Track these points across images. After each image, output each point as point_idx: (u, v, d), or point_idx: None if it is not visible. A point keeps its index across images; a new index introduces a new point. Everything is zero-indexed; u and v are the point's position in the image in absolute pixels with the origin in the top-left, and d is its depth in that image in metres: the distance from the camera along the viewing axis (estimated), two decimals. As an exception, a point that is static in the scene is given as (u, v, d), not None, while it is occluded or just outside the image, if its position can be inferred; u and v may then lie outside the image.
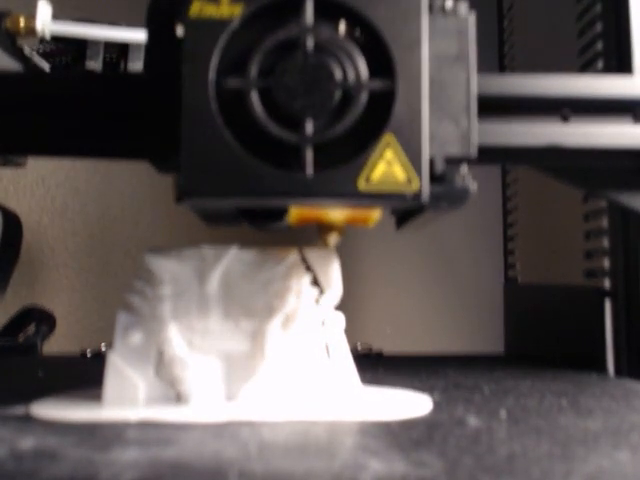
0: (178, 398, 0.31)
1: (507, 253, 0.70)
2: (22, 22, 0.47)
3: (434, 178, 0.27)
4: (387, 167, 0.26)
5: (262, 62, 0.26)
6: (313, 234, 0.34)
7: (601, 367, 0.45)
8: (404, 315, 0.72)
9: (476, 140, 0.28)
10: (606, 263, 0.46)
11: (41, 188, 0.72)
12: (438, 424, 0.28)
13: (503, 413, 0.30)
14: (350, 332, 0.34)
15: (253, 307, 0.32)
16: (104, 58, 0.49)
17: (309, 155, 0.26)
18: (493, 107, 0.30)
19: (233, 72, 0.26)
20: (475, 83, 0.28)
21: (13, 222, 0.65)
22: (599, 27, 0.46)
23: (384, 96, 0.26)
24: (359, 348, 0.61)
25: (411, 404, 0.32)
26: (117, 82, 0.30)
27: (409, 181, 0.26)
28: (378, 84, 0.26)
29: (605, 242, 0.46)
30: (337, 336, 0.33)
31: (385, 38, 0.26)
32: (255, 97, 0.26)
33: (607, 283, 0.46)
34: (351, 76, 0.26)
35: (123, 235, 0.72)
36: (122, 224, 0.73)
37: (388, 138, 0.26)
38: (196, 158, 0.26)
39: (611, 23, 0.44)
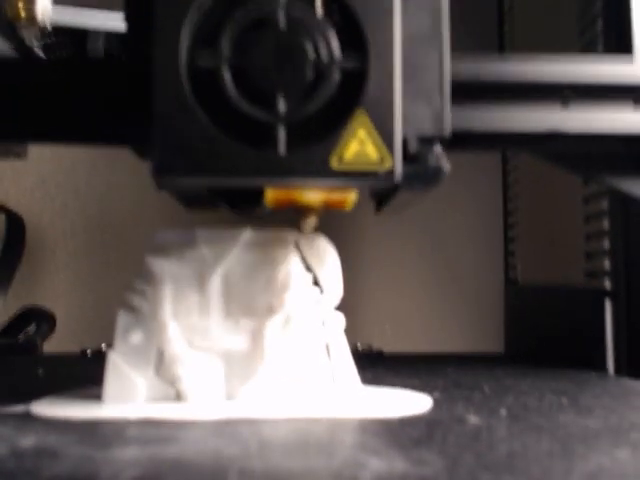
0: (178, 397, 0.31)
1: (508, 254, 0.70)
2: (22, 9, 0.46)
3: (407, 157, 0.27)
4: (360, 146, 0.26)
5: (234, 40, 0.26)
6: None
7: (601, 368, 0.45)
8: (404, 315, 0.72)
9: (449, 119, 0.27)
10: (607, 264, 0.46)
11: (41, 189, 0.72)
12: (438, 422, 0.28)
13: (503, 411, 0.30)
14: (350, 332, 0.34)
15: (253, 307, 0.32)
16: (105, 49, 0.48)
17: (282, 134, 0.26)
18: (492, 92, 0.30)
19: (205, 50, 0.26)
20: (448, 62, 0.27)
21: (17, 223, 0.65)
22: (600, 25, 0.46)
23: (357, 75, 0.26)
24: (359, 347, 0.60)
25: (411, 402, 0.32)
26: (98, 67, 0.30)
27: (382, 160, 0.26)
28: (350, 63, 0.26)
29: (606, 243, 0.46)
30: (337, 336, 0.33)
31: (358, 17, 0.26)
32: (227, 75, 0.26)
33: (607, 284, 0.46)
34: (324, 54, 0.26)
35: (123, 236, 0.72)
36: (122, 225, 0.73)
37: (361, 117, 0.26)
38: (169, 137, 0.26)
39: (611, 8, 0.44)
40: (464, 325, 0.71)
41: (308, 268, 0.34)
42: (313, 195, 0.31)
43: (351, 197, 0.31)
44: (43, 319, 0.62)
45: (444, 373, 0.43)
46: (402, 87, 0.26)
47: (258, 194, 0.30)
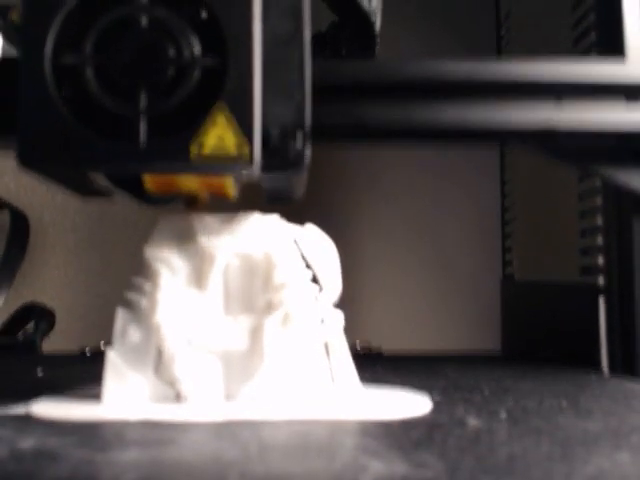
0: (177, 397, 0.31)
1: (504, 250, 0.70)
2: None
3: (269, 150, 0.28)
4: (219, 138, 0.28)
5: (98, 39, 0.27)
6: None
7: (596, 364, 0.45)
8: (402, 312, 0.72)
9: (310, 113, 0.29)
10: (600, 260, 0.46)
11: (42, 186, 0.72)
12: (438, 424, 0.28)
13: (503, 413, 0.30)
14: (349, 330, 0.34)
15: (252, 305, 0.32)
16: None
17: (143, 127, 0.27)
18: (488, 91, 0.32)
19: (71, 49, 0.27)
20: (309, 60, 0.29)
21: (21, 220, 0.65)
22: (593, 36, 0.46)
23: (217, 72, 0.28)
24: (358, 346, 0.60)
25: (411, 404, 0.32)
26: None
27: (240, 152, 0.28)
28: (210, 61, 0.28)
29: (599, 239, 0.47)
30: (336, 334, 0.33)
31: (219, 17, 0.28)
32: (90, 72, 0.27)
33: (601, 280, 0.46)
34: (185, 53, 0.27)
35: (124, 233, 0.72)
36: (123, 222, 0.72)
37: (220, 110, 0.28)
38: (30, 128, 0.27)
39: (604, 14, 0.45)
40: (462, 322, 0.71)
41: (307, 265, 0.34)
42: (191, 182, 0.32)
43: (229, 189, 0.33)
44: (42, 316, 0.62)
45: (443, 373, 0.43)
46: (263, 83, 0.28)
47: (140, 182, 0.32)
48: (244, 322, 0.32)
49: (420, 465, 0.21)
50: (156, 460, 0.22)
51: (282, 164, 0.29)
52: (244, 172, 0.28)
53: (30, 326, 0.61)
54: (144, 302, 0.32)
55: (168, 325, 0.31)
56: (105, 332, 0.34)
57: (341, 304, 0.34)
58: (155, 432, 0.26)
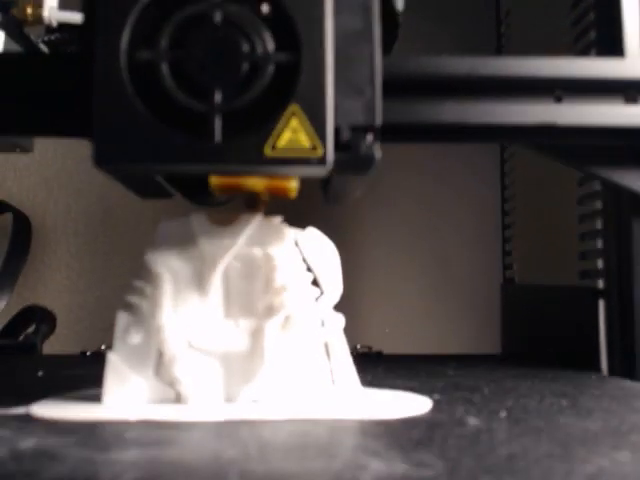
0: (177, 398, 0.31)
1: (505, 254, 0.70)
2: (29, 10, 0.47)
3: (339, 146, 0.28)
4: (292, 135, 0.27)
5: (173, 35, 0.27)
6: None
7: (595, 367, 0.45)
8: (403, 316, 0.72)
9: (380, 110, 0.29)
10: (600, 264, 0.46)
11: (44, 189, 0.72)
12: (438, 424, 0.28)
13: (503, 412, 0.30)
14: (350, 332, 0.34)
15: (253, 307, 0.32)
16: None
17: (217, 123, 0.27)
18: (489, 87, 0.32)
19: (145, 44, 0.27)
20: (379, 56, 0.29)
21: (23, 222, 0.65)
22: (593, 34, 0.46)
23: (290, 68, 0.27)
24: (359, 348, 0.60)
25: (411, 403, 0.32)
26: (59, 62, 0.31)
27: (314, 148, 0.27)
28: (283, 57, 0.27)
29: (599, 243, 0.47)
30: (336, 336, 0.33)
31: (291, 14, 0.27)
32: (165, 68, 0.27)
33: (601, 283, 0.46)
34: (259, 49, 0.27)
35: (125, 237, 0.72)
36: (124, 226, 0.73)
37: (294, 108, 0.27)
38: (108, 126, 0.27)
39: (603, 9, 0.45)
40: (462, 326, 0.72)
41: (308, 268, 0.34)
42: (256, 181, 0.32)
43: (293, 184, 0.33)
44: (43, 318, 0.62)
45: (444, 374, 0.43)
46: (335, 80, 0.28)
47: (204, 181, 0.32)
48: (245, 325, 0.32)
49: (420, 464, 0.21)
50: (156, 459, 0.22)
51: (353, 163, 0.28)
52: (317, 171, 0.28)
53: (31, 329, 0.61)
54: (145, 305, 0.32)
55: (169, 327, 0.31)
56: (106, 335, 0.34)
57: (342, 308, 0.34)
58: (155, 432, 0.27)
